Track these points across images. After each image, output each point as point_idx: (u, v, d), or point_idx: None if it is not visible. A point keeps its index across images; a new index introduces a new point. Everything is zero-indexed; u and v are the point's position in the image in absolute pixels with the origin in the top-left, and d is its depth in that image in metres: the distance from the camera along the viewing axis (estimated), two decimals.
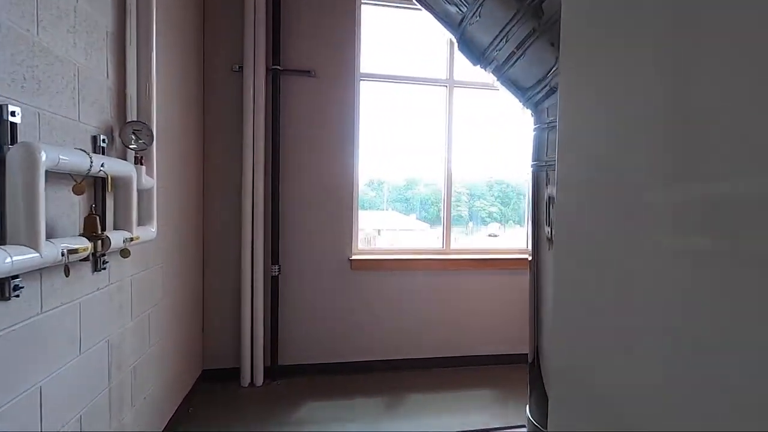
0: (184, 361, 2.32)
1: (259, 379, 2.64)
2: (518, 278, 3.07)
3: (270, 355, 2.70)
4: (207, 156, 2.63)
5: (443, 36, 3.08)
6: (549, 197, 1.19)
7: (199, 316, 2.60)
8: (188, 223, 2.35)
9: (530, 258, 1.31)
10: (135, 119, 1.55)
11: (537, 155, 1.25)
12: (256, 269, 2.62)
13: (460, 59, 3.06)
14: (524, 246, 3.27)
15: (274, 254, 2.67)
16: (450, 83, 3.09)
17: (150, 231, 1.57)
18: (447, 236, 3.13)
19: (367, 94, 2.99)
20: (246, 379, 2.62)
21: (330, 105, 2.77)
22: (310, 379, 2.71)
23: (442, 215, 3.16)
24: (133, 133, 1.49)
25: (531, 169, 1.30)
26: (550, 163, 1.18)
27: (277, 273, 2.68)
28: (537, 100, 1.26)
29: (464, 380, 2.81)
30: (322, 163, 2.77)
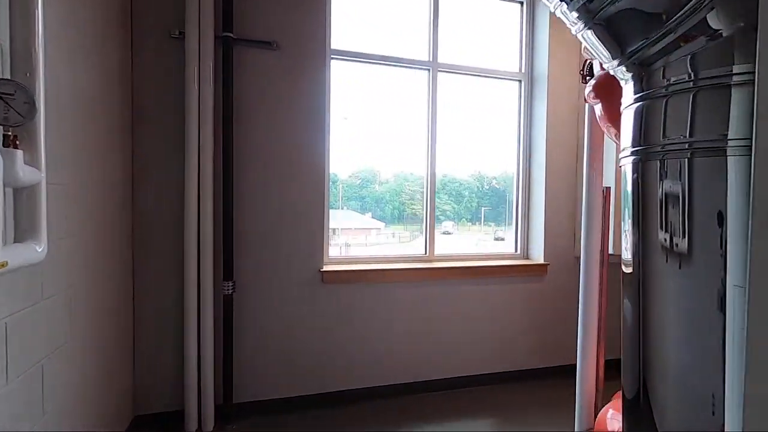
0: (107, 410, 1.77)
1: (209, 423, 2.12)
2: (513, 287, 2.74)
3: (223, 392, 2.18)
4: (137, 142, 2.06)
5: (426, 10, 2.68)
6: (665, 195, 0.81)
7: (127, 351, 2.03)
8: (107, 233, 1.79)
9: (629, 271, 0.93)
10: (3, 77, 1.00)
11: (643, 137, 0.87)
12: (204, 287, 2.09)
13: (446, 38, 2.75)
14: (512, 250, 2.95)
15: (227, 267, 2.15)
16: (433, 66, 2.69)
17: (33, 250, 1.04)
18: (431, 241, 2.74)
19: (338, 74, 2.53)
20: (192, 424, 2.09)
21: (297, 85, 2.28)
22: (274, 420, 2.22)
23: (423, 216, 2.77)
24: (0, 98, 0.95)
25: (629, 158, 0.92)
26: (670, 147, 0.80)
27: (230, 290, 2.16)
28: (649, 56, 0.87)
29: (464, 407, 2.43)
30: (286, 154, 2.28)
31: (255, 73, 2.22)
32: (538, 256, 2.84)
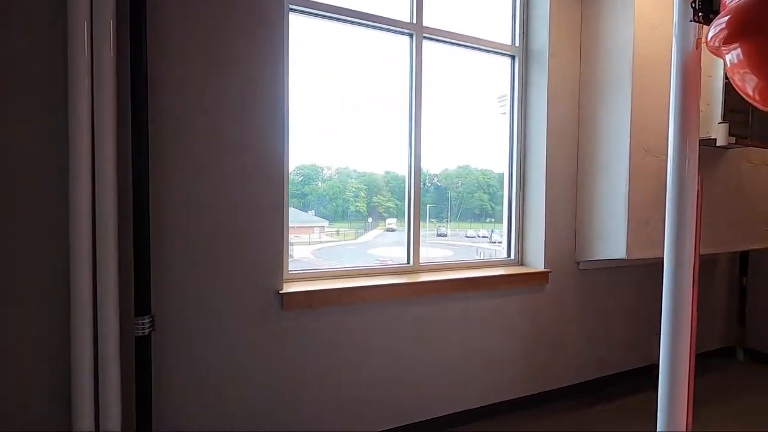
0: None
1: None
2: (512, 300, 2.30)
3: None
4: None
5: None
6: None
7: None
8: None
9: None
10: None
11: None
12: (105, 326, 1.41)
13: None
14: (504, 255, 2.52)
15: (141, 298, 1.48)
16: (417, 31, 2.17)
17: None
18: (415, 248, 2.22)
19: (296, 35, 1.93)
20: None
21: (243, 41, 1.65)
22: None
23: (406, 218, 2.24)
24: None
25: None
26: None
27: (147, 330, 1.49)
28: None
29: None
30: (227, 137, 1.64)
31: (181, 20, 1.55)
32: (536, 263, 2.42)
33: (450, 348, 2.14)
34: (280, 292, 1.73)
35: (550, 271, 2.36)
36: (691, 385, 1.15)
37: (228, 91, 1.63)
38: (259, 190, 1.69)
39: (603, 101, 2.30)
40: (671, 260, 1.10)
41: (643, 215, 2.23)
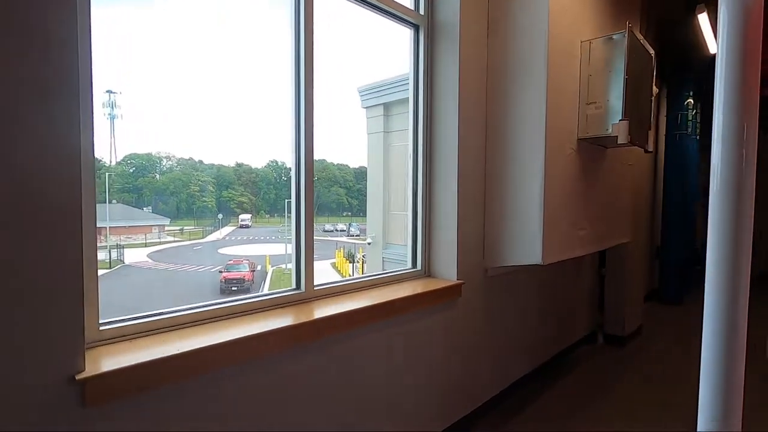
0: None
1: None
2: (424, 323, 1.89)
3: None
4: None
5: None
6: None
7: None
8: None
9: None
10: None
11: None
12: None
13: None
14: (409, 265, 2.11)
15: None
16: None
17: None
18: (308, 264, 1.61)
19: None
20: None
21: None
22: None
23: (295, 221, 1.62)
24: None
25: None
26: None
27: None
28: None
29: None
30: None
31: None
32: (447, 273, 2.06)
33: (352, 401, 1.61)
34: (79, 377, 0.94)
35: (463, 283, 2.02)
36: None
37: None
38: (38, 211, 0.87)
39: (515, 87, 2.04)
40: (725, 273, 0.78)
41: (557, 216, 2.06)
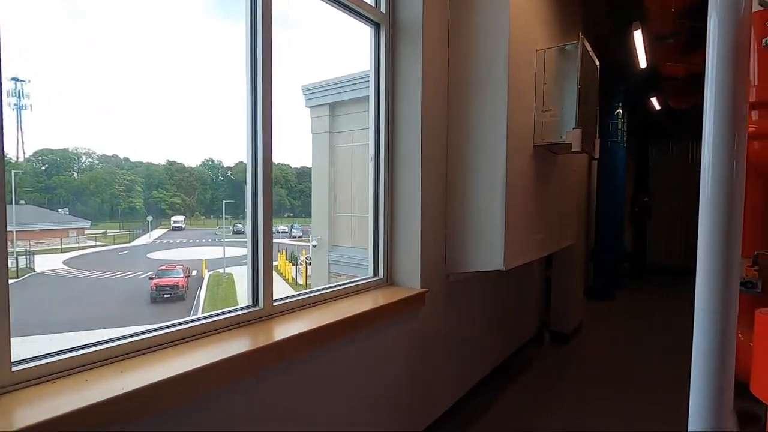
0: None
1: None
2: (388, 335, 1.81)
3: None
4: None
5: None
6: None
7: None
8: None
9: None
10: None
11: None
12: None
13: None
14: (370, 273, 2.02)
15: None
16: None
17: None
18: (267, 277, 1.46)
19: None
20: None
21: None
22: None
23: (251, 228, 1.47)
24: None
25: None
26: None
27: None
28: None
29: None
30: None
31: None
32: (410, 281, 2.00)
33: (316, 424, 1.49)
34: None
35: (427, 290, 1.97)
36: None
37: None
38: None
39: (476, 90, 2.03)
40: (715, 277, 0.78)
41: (517, 221, 2.07)
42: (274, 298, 1.50)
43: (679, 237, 7.50)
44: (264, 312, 1.45)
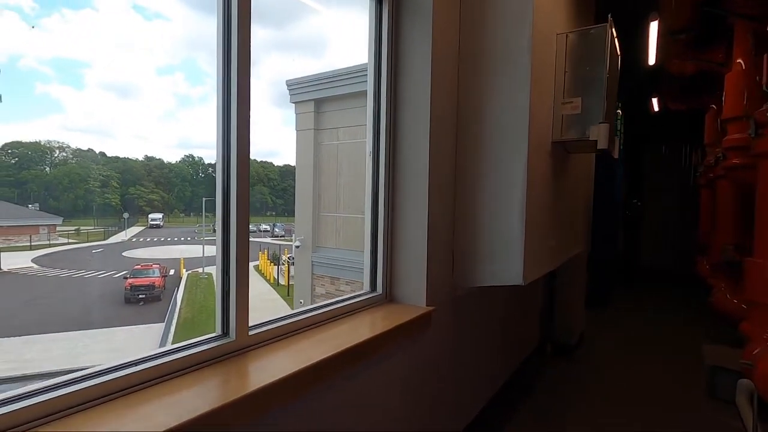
0: None
1: None
2: (390, 364, 1.52)
3: None
4: None
5: None
6: None
7: None
8: None
9: None
10: None
11: None
12: None
13: None
14: (367, 288, 1.73)
15: None
16: None
17: None
18: (241, 301, 1.15)
19: None
20: None
21: None
22: None
23: (221, 234, 1.15)
24: None
25: None
26: None
27: None
28: None
29: None
30: None
31: None
32: (415, 298, 1.71)
33: None
34: None
35: (433, 309, 1.68)
36: None
37: None
38: None
39: (493, 79, 1.75)
40: None
41: (535, 228, 1.80)
42: (250, 324, 1.19)
43: (671, 239, 7.41)
44: (237, 344, 1.14)
